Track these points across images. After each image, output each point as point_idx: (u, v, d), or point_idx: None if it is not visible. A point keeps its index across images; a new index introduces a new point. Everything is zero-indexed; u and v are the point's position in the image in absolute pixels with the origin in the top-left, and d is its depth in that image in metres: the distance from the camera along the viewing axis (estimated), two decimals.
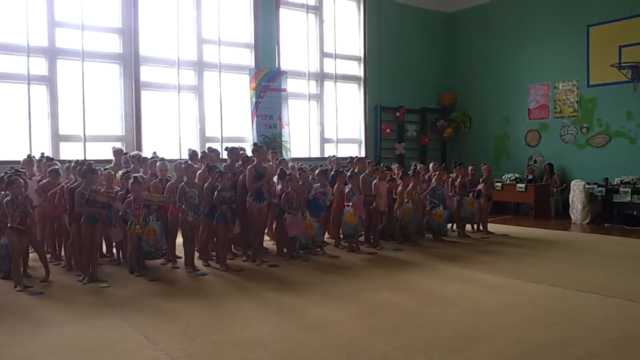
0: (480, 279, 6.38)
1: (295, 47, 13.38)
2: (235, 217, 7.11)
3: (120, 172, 7.49)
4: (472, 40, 15.23)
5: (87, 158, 9.86)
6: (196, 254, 7.14)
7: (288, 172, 7.74)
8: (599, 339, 4.33)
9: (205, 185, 7.03)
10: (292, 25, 13.30)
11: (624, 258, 7.60)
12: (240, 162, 7.67)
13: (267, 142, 12.31)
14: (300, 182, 7.88)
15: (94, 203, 6.18)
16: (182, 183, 6.79)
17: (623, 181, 10.97)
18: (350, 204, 7.97)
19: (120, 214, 6.66)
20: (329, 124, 13.92)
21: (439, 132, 15.44)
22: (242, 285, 6.20)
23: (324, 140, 13.85)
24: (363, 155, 14.20)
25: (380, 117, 14.47)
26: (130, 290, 5.94)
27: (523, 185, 12.28)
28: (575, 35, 12.12)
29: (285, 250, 7.74)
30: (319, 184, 7.92)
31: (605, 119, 12.35)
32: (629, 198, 10.72)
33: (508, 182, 12.64)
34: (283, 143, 12.73)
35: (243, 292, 5.88)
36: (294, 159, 12.20)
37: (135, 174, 6.73)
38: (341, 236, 8.39)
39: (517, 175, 12.75)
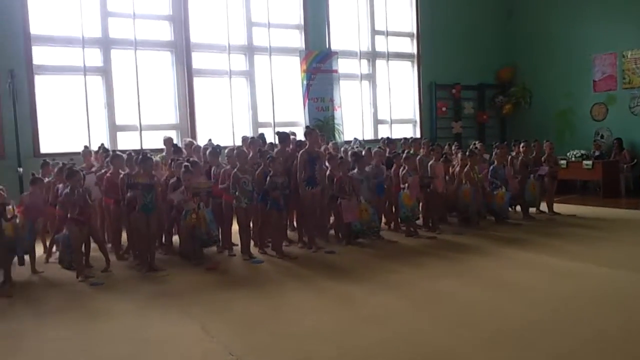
0: (548, 264, 6.02)
1: (346, 26, 13.05)
2: (289, 203, 6.95)
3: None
4: (531, 9, 14.44)
5: (143, 147, 10.03)
6: (252, 242, 7.08)
7: (340, 156, 7.54)
8: None
9: (257, 171, 6.93)
10: (341, 3, 12.97)
11: None
12: (292, 147, 7.53)
13: (319, 126, 12.11)
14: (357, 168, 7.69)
15: (135, 186, 6.17)
16: (235, 169, 6.70)
17: None
18: (406, 185, 7.70)
19: (174, 203, 6.63)
20: (382, 104, 13.57)
21: (498, 108, 14.81)
22: (299, 273, 6.08)
23: (377, 122, 13.53)
24: (418, 135, 13.84)
25: (435, 96, 14.00)
26: (188, 279, 5.92)
27: (590, 162, 11.61)
28: None
29: (341, 236, 7.58)
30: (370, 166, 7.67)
31: None
32: None
33: (573, 159, 11.99)
34: (336, 126, 12.51)
35: (299, 280, 5.76)
36: (347, 142, 11.99)
37: (186, 162, 6.69)
38: (399, 220, 8.14)
39: (583, 151, 12.07)
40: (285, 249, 7.12)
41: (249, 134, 11.39)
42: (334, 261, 6.55)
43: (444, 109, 14.08)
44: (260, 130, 10.84)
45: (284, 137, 7.53)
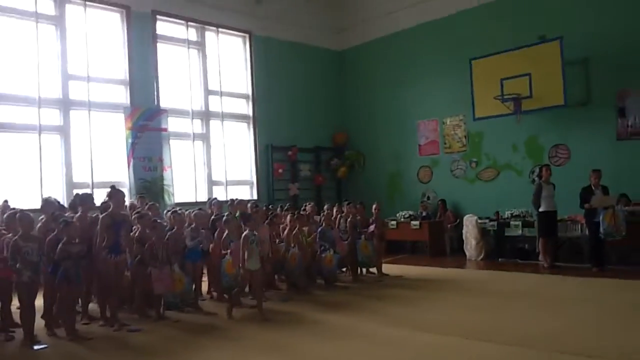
0: (364, 332, 5.69)
1: (177, 84, 12.50)
2: (81, 275, 5.95)
3: None
4: (361, 78, 15.13)
5: None
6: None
7: (153, 218, 6.78)
8: None
9: (48, 237, 5.92)
10: (172, 60, 12.44)
11: (516, 297, 7.23)
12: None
13: (146, 187, 11.25)
14: (175, 229, 6.98)
15: None
16: (16, 237, 5.63)
17: (513, 214, 10.93)
18: (229, 251, 7.11)
19: None
20: (217, 165, 13.04)
21: (333, 171, 15.02)
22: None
23: (211, 183, 12.92)
24: (255, 197, 13.47)
25: (271, 157, 13.81)
26: None
27: (417, 223, 11.99)
28: (460, 68, 12.22)
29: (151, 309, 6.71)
30: (189, 229, 7.01)
31: (493, 152, 12.45)
32: (520, 231, 10.66)
33: (402, 220, 12.32)
34: (165, 187, 11.65)
35: None
36: (178, 204, 11.20)
37: None
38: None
39: (411, 212, 12.47)
40: (83, 329, 6.11)
41: (63, 194, 10.23)
42: (137, 342, 5.65)
43: (280, 170, 13.90)
44: (77, 191, 9.67)
45: (84, 198, 6.60)
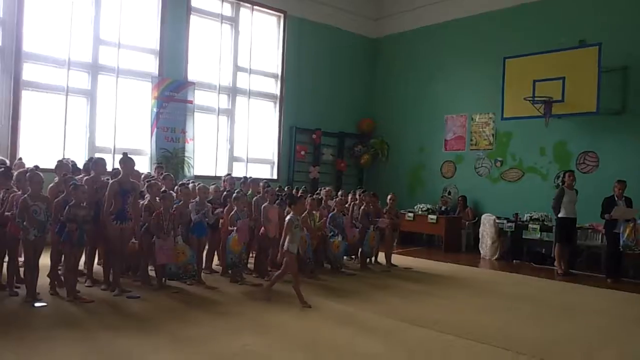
0: (358, 320, 5.65)
1: (207, 58, 12.52)
2: (85, 239, 6.02)
3: None
4: (393, 67, 14.92)
5: None
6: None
7: (163, 189, 6.83)
8: None
9: (57, 199, 6.01)
10: (204, 34, 12.45)
11: (522, 300, 7.09)
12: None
13: (167, 157, 11.40)
14: (181, 201, 7.01)
15: None
16: (25, 195, 5.73)
17: (532, 217, 10.69)
18: (235, 228, 7.12)
19: None
20: (240, 142, 13.08)
21: (356, 158, 14.91)
22: (77, 321, 5.14)
23: (232, 159, 12.98)
24: (275, 177, 13.49)
25: (295, 139, 13.78)
26: None
27: (434, 217, 11.83)
28: (493, 66, 11.94)
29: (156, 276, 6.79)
30: (193, 202, 7.03)
31: (519, 153, 12.18)
32: (538, 235, 10.45)
33: (420, 212, 12.17)
34: (186, 159, 11.77)
35: (72, 330, 4.85)
36: (197, 177, 11.30)
37: None
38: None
39: (429, 206, 12.31)
40: (86, 290, 6.22)
41: (84, 158, 10.38)
42: (133, 309, 5.72)
43: (302, 152, 13.87)
44: (98, 155, 9.80)
45: (97, 162, 6.67)
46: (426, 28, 14.09)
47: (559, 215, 9.40)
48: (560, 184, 9.97)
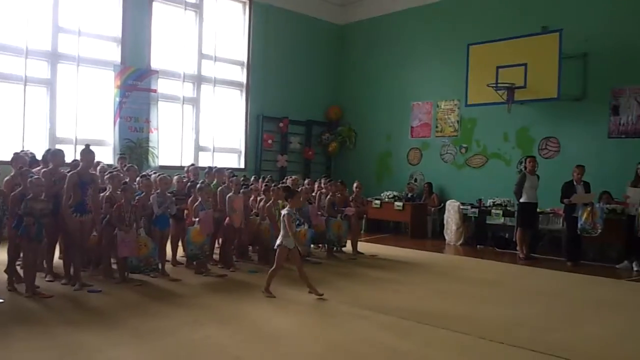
0: (320, 308, 5.71)
1: (171, 46, 12.34)
2: (43, 233, 5.91)
3: None
4: (360, 54, 14.93)
5: None
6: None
7: (124, 180, 6.74)
8: None
9: (14, 192, 5.88)
10: (168, 21, 12.26)
11: (484, 285, 7.24)
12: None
13: (131, 147, 11.23)
14: (143, 193, 6.93)
15: None
16: None
17: (495, 203, 10.87)
18: (197, 219, 7.08)
19: None
20: (206, 131, 12.96)
21: (324, 146, 14.93)
22: (36, 317, 5.08)
23: (199, 149, 12.87)
24: (243, 166, 13.43)
25: (262, 127, 13.72)
26: None
27: (401, 204, 11.95)
28: (458, 53, 12.03)
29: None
30: (154, 194, 6.95)
31: (484, 140, 12.36)
32: (501, 220, 10.63)
33: (387, 199, 12.28)
34: (150, 149, 11.61)
35: (30, 325, 4.78)
36: (162, 167, 11.18)
37: None
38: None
39: (395, 193, 12.41)
40: (46, 285, 6.13)
41: (45, 150, 10.16)
42: (94, 303, 5.65)
43: (270, 141, 13.82)
44: (59, 146, 9.59)
45: (55, 154, 6.52)
46: (392, 14, 14.11)
47: (521, 200, 9.58)
48: (523, 169, 10.17)
